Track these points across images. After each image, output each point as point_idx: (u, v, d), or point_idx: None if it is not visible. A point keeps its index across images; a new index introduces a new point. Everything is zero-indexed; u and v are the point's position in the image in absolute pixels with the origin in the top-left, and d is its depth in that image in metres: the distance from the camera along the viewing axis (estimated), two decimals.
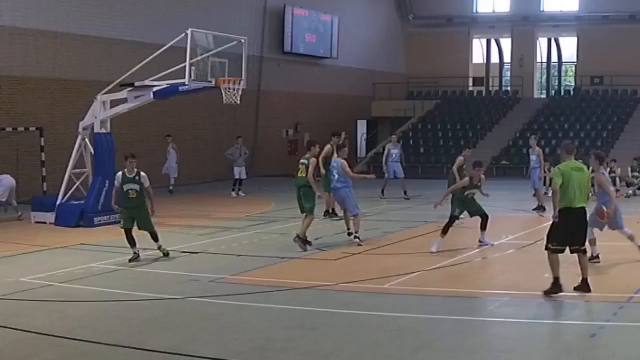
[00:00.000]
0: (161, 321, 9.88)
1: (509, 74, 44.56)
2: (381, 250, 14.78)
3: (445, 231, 14.43)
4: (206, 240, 16.43)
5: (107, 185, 18.72)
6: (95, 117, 19.22)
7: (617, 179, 25.78)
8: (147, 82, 18.74)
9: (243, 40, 19.21)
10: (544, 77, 45.52)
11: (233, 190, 25.83)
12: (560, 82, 45.63)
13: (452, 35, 43.27)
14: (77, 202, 19.07)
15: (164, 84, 18.59)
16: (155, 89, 18.69)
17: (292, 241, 14.85)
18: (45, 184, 23.33)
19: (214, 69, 18.61)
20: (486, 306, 10.46)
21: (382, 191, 23.81)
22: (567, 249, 10.72)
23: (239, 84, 18.64)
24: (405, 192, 23.95)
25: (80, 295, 11.22)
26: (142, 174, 13.97)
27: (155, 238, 14.00)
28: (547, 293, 10.48)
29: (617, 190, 25.47)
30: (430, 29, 43.63)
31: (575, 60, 43.19)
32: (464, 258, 13.74)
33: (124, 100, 19.32)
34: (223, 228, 18.13)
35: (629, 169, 25.80)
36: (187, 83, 17.88)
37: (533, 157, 21.61)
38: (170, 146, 26.61)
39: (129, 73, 18.95)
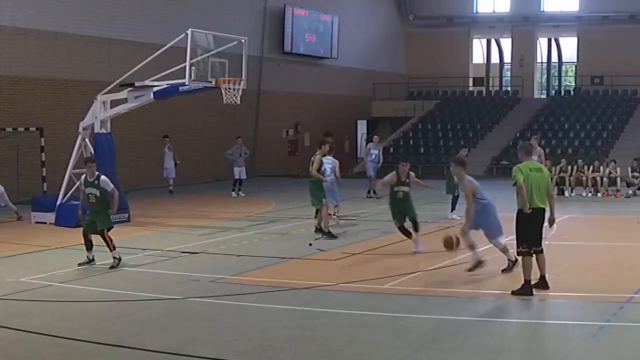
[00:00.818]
0: (161, 321, 9.88)
1: (509, 74, 44.55)
2: (381, 250, 14.78)
3: (406, 234, 14.50)
4: (206, 240, 16.43)
5: None
6: (95, 117, 19.22)
7: (617, 179, 25.80)
8: (147, 82, 18.74)
9: (243, 40, 19.21)
10: (544, 77, 45.52)
11: (233, 190, 25.83)
12: (560, 82, 45.63)
13: (452, 35, 43.26)
14: (77, 202, 19.02)
15: (164, 84, 18.58)
16: (155, 89, 18.69)
17: (316, 234, 16.25)
18: (45, 184, 23.31)
19: (214, 69, 18.60)
20: (486, 306, 10.46)
21: (368, 191, 24.42)
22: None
23: (239, 84, 18.64)
24: (372, 192, 24.35)
25: (80, 295, 11.22)
26: (102, 177, 13.60)
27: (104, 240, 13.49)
28: (515, 293, 10.56)
29: (617, 190, 25.54)
30: (430, 29, 43.62)
31: (575, 60, 43.18)
32: (464, 258, 13.73)
33: (124, 100, 19.32)
34: (223, 228, 18.13)
35: (629, 169, 25.80)
36: (187, 83, 17.88)
37: (534, 157, 21.42)
38: (167, 147, 26.35)
39: (129, 73, 18.95)
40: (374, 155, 25.07)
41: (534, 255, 10.80)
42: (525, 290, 10.60)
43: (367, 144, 42.01)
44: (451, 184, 18.83)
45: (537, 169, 11.03)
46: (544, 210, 10.83)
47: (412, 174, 14.79)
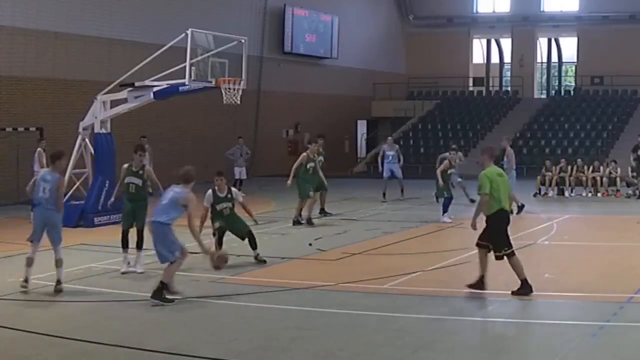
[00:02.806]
0: (161, 321, 9.88)
1: (509, 74, 44.56)
2: (381, 250, 14.78)
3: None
4: (206, 240, 16.37)
5: (107, 185, 18.73)
6: (95, 117, 19.22)
7: (617, 179, 25.80)
8: (147, 82, 18.74)
9: (243, 40, 19.22)
10: (544, 77, 45.52)
11: None
12: (560, 82, 45.63)
13: (452, 35, 43.26)
14: (77, 202, 19.06)
15: (164, 84, 18.58)
16: (155, 89, 18.69)
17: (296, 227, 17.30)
18: None
19: (214, 69, 18.60)
20: (486, 306, 10.46)
21: (384, 194, 23.74)
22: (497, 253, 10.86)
23: (239, 84, 18.64)
24: (402, 191, 23.98)
25: (80, 295, 11.22)
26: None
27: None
28: (470, 286, 10.73)
29: (617, 190, 25.53)
30: (430, 29, 43.62)
31: (575, 60, 43.18)
32: (464, 258, 13.73)
33: (124, 100, 19.32)
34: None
35: (629, 169, 25.80)
36: (187, 83, 17.88)
37: (505, 159, 21.10)
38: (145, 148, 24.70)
39: (129, 73, 18.95)
40: (390, 157, 24.38)
41: (507, 259, 10.82)
42: (525, 289, 10.61)
43: (366, 144, 42.36)
44: (441, 187, 18.83)
45: (500, 173, 11.20)
46: (509, 212, 11.12)
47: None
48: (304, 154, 19.09)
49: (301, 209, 18.53)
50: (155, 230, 10.98)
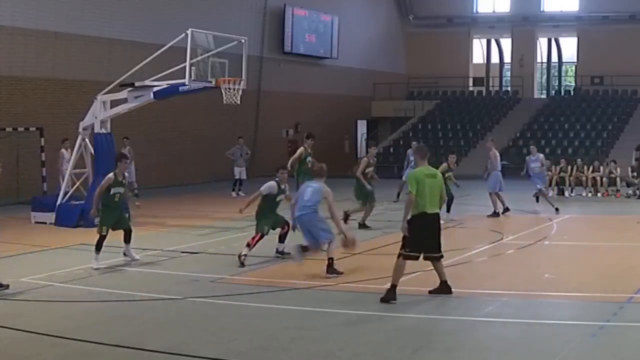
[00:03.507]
0: (161, 321, 9.87)
1: (509, 74, 44.58)
2: (381, 250, 14.77)
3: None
4: (206, 240, 16.43)
5: None
6: (95, 117, 19.21)
7: (617, 179, 25.81)
8: (147, 82, 18.73)
9: (243, 40, 19.21)
10: (544, 77, 45.53)
11: (233, 190, 25.84)
12: (560, 82, 45.65)
13: (452, 35, 43.27)
14: (77, 202, 19.06)
15: (164, 84, 18.58)
16: (155, 89, 18.68)
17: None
18: (45, 184, 23.32)
19: (214, 69, 18.60)
20: (486, 306, 10.45)
21: (398, 194, 23.70)
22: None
23: (239, 84, 18.64)
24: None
25: (80, 295, 11.22)
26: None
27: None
28: (383, 299, 10.36)
29: (617, 190, 25.55)
30: (430, 29, 43.63)
31: (575, 60, 43.21)
32: (464, 258, 13.74)
33: (124, 100, 19.31)
34: (223, 228, 18.13)
35: (629, 169, 25.81)
36: (187, 83, 17.87)
37: (490, 160, 21.06)
38: (127, 149, 23.03)
39: (129, 73, 18.94)
40: (413, 162, 24.16)
41: (432, 262, 10.65)
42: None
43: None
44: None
45: (432, 174, 10.83)
46: (436, 215, 10.71)
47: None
48: (301, 148, 19.18)
49: (364, 213, 18.09)
50: (308, 221, 12.56)
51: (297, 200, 12.80)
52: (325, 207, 12.71)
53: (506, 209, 20.20)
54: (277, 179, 14.09)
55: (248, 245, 13.37)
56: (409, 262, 10.62)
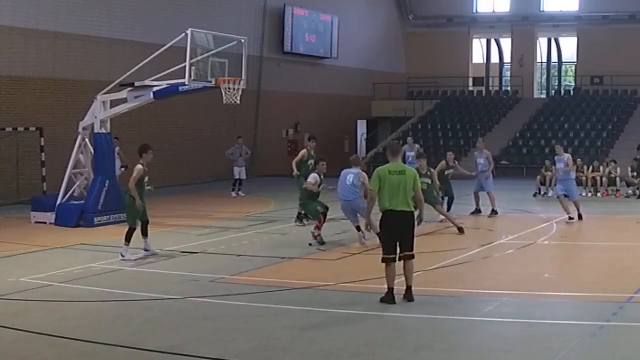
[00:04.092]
0: (161, 321, 9.87)
1: (509, 74, 44.56)
2: (381, 250, 14.75)
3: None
4: (206, 240, 16.42)
5: (107, 185, 18.74)
6: (95, 117, 19.22)
7: (617, 179, 25.80)
8: (147, 82, 18.74)
9: (243, 40, 19.21)
10: (544, 77, 45.53)
11: (233, 190, 25.83)
12: (560, 82, 45.63)
13: (452, 35, 43.27)
14: (77, 202, 19.07)
15: (164, 84, 18.58)
16: (155, 89, 18.69)
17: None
18: (45, 184, 23.33)
19: (214, 69, 18.60)
20: (486, 306, 10.45)
21: None
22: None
23: (239, 84, 18.63)
24: None
25: (80, 295, 11.22)
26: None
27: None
28: (383, 300, 10.33)
29: (617, 190, 25.54)
30: (430, 29, 43.63)
31: (575, 60, 43.18)
32: (464, 258, 13.74)
33: (124, 100, 19.32)
34: (223, 228, 18.13)
35: (629, 169, 25.80)
36: (187, 83, 17.87)
37: (481, 161, 20.94)
38: (117, 150, 21.04)
39: (129, 73, 18.94)
40: (410, 158, 24.04)
41: (404, 261, 10.43)
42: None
43: (366, 144, 42.40)
44: (442, 186, 18.84)
45: (399, 171, 10.48)
46: (404, 213, 10.38)
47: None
48: (304, 150, 19.20)
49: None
50: (354, 204, 15.02)
51: (341, 185, 15.09)
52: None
53: (477, 211, 20.17)
54: (316, 171, 16.43)
55: (317, 227, 15.27)
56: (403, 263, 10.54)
